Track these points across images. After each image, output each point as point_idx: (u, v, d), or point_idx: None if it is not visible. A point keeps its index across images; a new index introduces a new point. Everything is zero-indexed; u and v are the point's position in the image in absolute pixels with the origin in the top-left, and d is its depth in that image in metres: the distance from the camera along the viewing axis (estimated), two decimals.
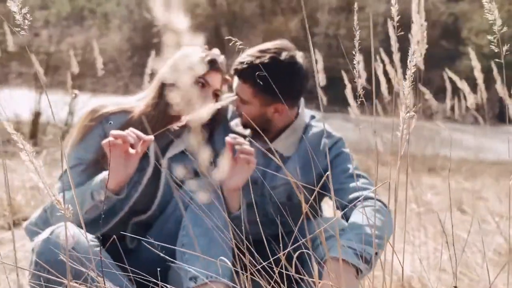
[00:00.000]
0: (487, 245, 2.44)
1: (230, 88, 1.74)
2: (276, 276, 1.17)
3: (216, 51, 1.66)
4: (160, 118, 1.58)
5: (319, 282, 1.13)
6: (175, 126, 1.42)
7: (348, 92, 2.16)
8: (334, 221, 1.17)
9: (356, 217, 1.44)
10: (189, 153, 1.62)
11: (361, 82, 1.07)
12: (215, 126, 1.73)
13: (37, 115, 5.69)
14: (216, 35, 17.18)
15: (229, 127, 1.73)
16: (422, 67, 2.12)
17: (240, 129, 1.69)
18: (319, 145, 1.69)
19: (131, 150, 1.44)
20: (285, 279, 1.16)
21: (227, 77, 1.68)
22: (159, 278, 1.40)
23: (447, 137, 5.21)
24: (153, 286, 1.26)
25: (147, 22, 15.32)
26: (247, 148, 1.50)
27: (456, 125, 6.02)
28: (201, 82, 1.61)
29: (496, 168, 5.18)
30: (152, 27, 15.42)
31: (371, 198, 1.51)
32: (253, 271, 1.15)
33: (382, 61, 2.82)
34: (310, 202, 1.23)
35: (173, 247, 1.37)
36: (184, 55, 1.66)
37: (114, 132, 1.42)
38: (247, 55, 1.60)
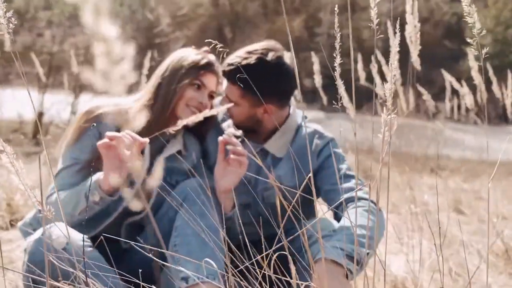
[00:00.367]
0: (484, 246, 2.43)
1: None
2: (267, 277, 1.17)
3: (211, 56, 1.67)
4: (156, 119, 1.59)
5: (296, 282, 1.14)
6: (171, 130, 1.43)
7: (343, 92, 2.15)
8: (317, 221, 1.17)
9: (347, 218, 1.44)
10: (183, 153, 1.64)
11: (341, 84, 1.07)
12: (208, 128, 1.74)
13: (40, 115, 5.70)
14: (219, 35, 17.19)
15: (221, 128, 1.74)
16: (418, 67, 2.12)
17: (231, 130, 1.69)
18: (311, 145, 1.69)
19: (126, 152, 1.45)
20: (267, 280, 1.17)
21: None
22: (153, 278, 1.41)
23: (450, 137, 5.21)
24: (147, 285, 1.26)
25: (150, 22, 15.35)
26: (239, 149, 1.50)
27: (458, 125, 6.01)
28: (197, 84, 1.62)
29: (499, 168, 5.17)
30: (155, 27, 15.43)
31: (363, 199, 1.52)
32: (235, 272, 1.15)
33: (378, 62, 2.82)
34: (301, 203, 1.23)
35: (162, 250, 1.37)
36: (179, 56, 1.67)
37: (109, 133, 1.43)
38: (235, 57, 1.61)
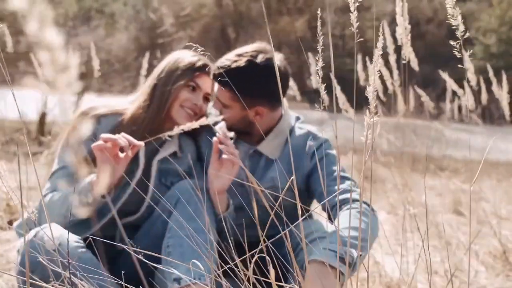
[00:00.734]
0: (482, 248, 2.42)
1: None
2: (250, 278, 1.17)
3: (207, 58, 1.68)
4: (151, 120, 1.60)
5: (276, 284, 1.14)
6: (167, 136, 1.45)
7: (339, 94, 2.16)
8: (300, 223, 1.17)
9: (340, 219, 1.44)
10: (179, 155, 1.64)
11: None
12: (200, 131, 1.75)
13: (43, 115, 5.71)
14: (222, 35, 17.20)
15: (213, 130, 1.74)
16: (416, 68, 2.12)
17: (225, 130, 1.70)
18: (304, 147, 1.69)
19: (121, 154, 1.46)
20: (250, 280, 1.17)
21: None
22: (146, 279, 1.41)
23: (453, 138, 5.19)
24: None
25: (153, 22, 15.37)
26: (232, 149, 1.51)
27: (462, 126, 6.00)
28: (192, 86, 1.62)
29: (502, 169, 5.16)
30: (158, 27, 15.46)
31: (357, 200, 1.51)
32: (218, 274, 1.16)
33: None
34: (294, 204, 1.23)
35: (153, 254, 1.37)
36: (175, 58, 1.68)
37: (104, 135, 1.44)
38: (225, 59, 1.61)
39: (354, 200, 1.51)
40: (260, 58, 1.59)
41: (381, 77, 2.47)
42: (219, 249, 1.39)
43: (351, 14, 1.00)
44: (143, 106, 1.62)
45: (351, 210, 1.45)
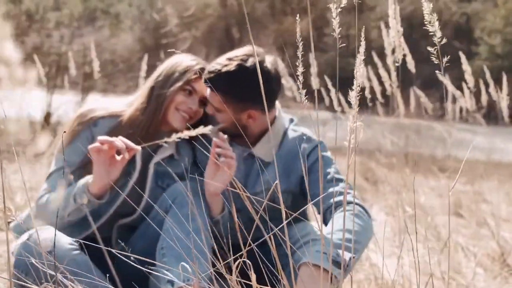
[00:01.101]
0: (480, 250, 2.40)
1: None
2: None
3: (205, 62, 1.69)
4: (148, 122, 1.62)
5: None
6: (164, 143, 1.46)
7: (333, 95, 2.17)
8: (285, 226, 1.17)
9: (334, 222, 1.44)
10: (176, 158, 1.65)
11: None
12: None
13: (47, 115, 5.74)
14: (226, 35, 17.21)
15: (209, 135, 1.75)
16: (413, 70, 2.12)
17: (221, 133, 1.71)
18: (299, 149, 1.69)
19: (117, 157, 1.46)
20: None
21: None
22: (143, 279, 1.42)
23: (457, 138, 5.17)
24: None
25: (157, 23, 15.40)
26: (229, 153, 1.53)
27: (466, 126, 5.97)
28: (188, 89, 1.63)
29: (505, 170, 5.13)
30: (162, 27, 15.47)
31: (351, 203, 1.52)
32: (213, 276, 1.16)
33: (373, 64, 2.81)
34: (289, 207, 1.23)
35: (146, 260, 1.38)
36: (174, 62, 1.69)
37: (101, 137, 1.45)
38: (215, 64, 1.62)
39: (349, 203, 1.52)
40: (250, 62, 1.59)
41: (380, 79, 2.47)
42: (214, 250, 1.39)
43: (333, 20, 1.01)
44: (141, 109, 1.64)
45: (345, 212, 1.46)
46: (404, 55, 2.22)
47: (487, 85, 3.14)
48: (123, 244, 1.42)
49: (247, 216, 1.68)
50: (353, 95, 1.02)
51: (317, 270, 1.29)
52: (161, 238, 1.46)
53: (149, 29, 16.33)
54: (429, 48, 1.05)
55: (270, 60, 1.63)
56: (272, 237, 1.24)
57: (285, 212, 1.28)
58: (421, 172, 4.47)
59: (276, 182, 1.15)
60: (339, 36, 1.07)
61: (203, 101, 1.68)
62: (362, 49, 1.05)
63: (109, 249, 1.36)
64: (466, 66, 1.95)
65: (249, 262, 1.15)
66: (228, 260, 1.18)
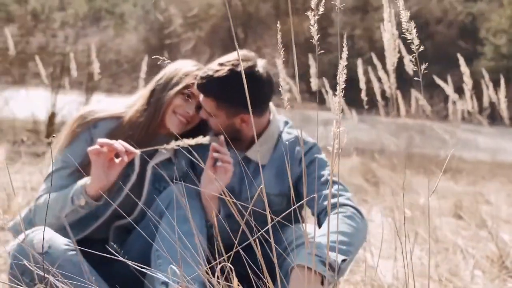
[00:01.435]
0: (479, 252, 2.39)
1: None
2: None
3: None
4: (146, 125, 1.63)
5: None
6: (162, 148, 1.46)
7: (333, 98, 2.17)
8: (270, 229, 1.17)
9: (326, 224, 1.45)
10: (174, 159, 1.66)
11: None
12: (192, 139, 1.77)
13: (52, 115, 5.76)
14: (230, 35, 17.21)
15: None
16: (411, 72, 2.12)
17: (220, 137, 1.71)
18: (293, 152, 1.70)
19: (116, 160, 1.47)
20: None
21: None
22: (141, 280, 1.43)
23: (462, 139, 5.15)
24: None
25: (161, 23, 15.43)
26: (226, 157, 1.55)
27: (471, 126, 5.95)
28: (187, 94, 1.65)
29: (508, 170, 5.10)
30: (166, 28, 15.51)
31: (346, 205, 1.52)
32: (207, 278, 1.17)
33: (372, 66, 2.80)
34: (284, 209, 1.24)
35: (138, 266, 1.38)
36: (176, 66, 1.70)
37: (100, 140, 1.46)
38: (207, 69, 1.63)
39: (343, 205, 1.53)
40: (241, 67, 1.60)
41: (379, 80, 2.47)
42: (209, 253, 1.40)
43: (311, 28, 1.01)
44: (141, 111, 1.66)
45: (339, 214, 1.47)
46: (403, 57, 2.23)
47: (488, 87, 3.14)
48: (115, 246, 1.43)
49: (241, 219, 1.69)
50: (335, 101, 1.02)
51: (310, 273, 1.29)
52: (156, 240, 1.47)
53: (154, 29, 16.36)
54: (408, 57, 1.05)
55: (261, 64, 1.64)
56: (263, 240, 1.24)
57: (277, 214, 1.29)
58: (422, 173, 4.46)
59: (261, 186, 1.16)
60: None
61: (200, 106, 1.69)
62: (344, 55, 1.06)
63: (105, 254, 1.38)
64: (464, 68, 1.95)
65: (231, 266, 1.17)
66: (212, 264, 1.19)
